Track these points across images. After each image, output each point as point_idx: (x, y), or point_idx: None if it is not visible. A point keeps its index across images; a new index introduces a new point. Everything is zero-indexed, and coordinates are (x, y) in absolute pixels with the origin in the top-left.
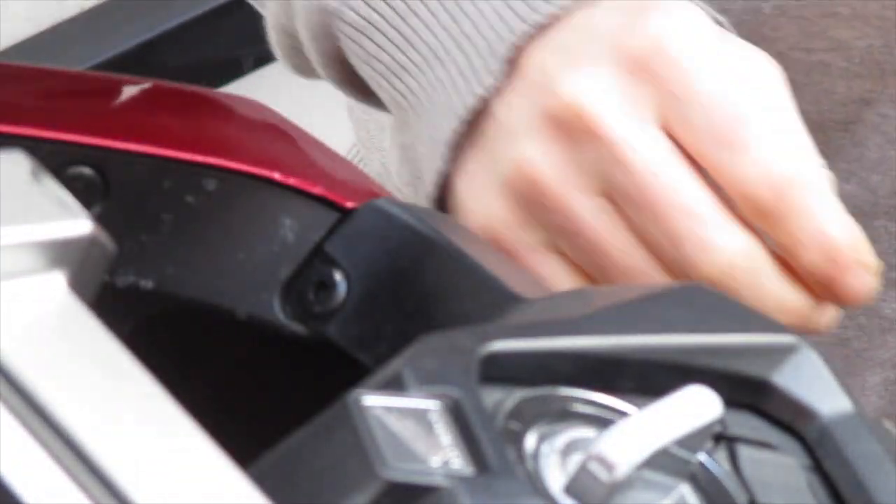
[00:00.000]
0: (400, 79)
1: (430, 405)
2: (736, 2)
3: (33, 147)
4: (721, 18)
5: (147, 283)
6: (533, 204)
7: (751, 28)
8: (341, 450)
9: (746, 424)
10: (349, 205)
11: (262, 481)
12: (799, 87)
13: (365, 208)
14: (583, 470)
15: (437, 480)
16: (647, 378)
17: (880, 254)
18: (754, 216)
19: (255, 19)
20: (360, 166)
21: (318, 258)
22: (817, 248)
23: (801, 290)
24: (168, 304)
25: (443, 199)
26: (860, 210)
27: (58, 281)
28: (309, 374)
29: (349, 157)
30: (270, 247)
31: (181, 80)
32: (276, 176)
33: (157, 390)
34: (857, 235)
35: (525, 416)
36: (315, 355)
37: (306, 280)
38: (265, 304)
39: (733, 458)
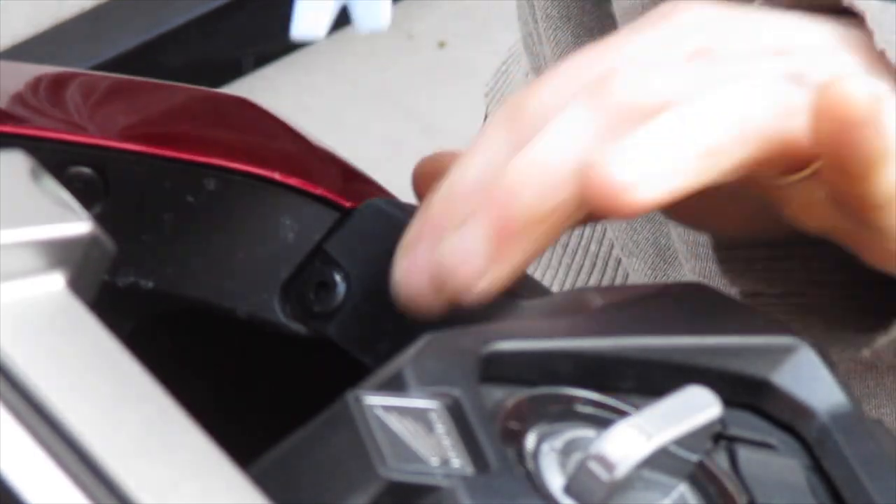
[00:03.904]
0: None
1: (431, 405)
2: None
3: (33, 147)
4: None
5: (147, 283)
6: None
7: None
8: (341, 449)
9: (746, 424)
10: (349, 205)
11: (263, 481)
12: None
13: (364, 208)
14: (583, 469)
15: (437, 480)
16: (647, 378)
17: None
18: None
19: (255, 19)
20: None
21: (318, 258)
22: None
23: None
24: (168, 304)
25: None
26: None
27: (57, 281)
28: (309, 373)
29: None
30: (270, 247)
31: (181, 80)
32: (276, 176)
33: (156, 390)
34: None
35: (525, 416)
36: (315, 355)
37: (306, 280)
38: (265, 304)
39: (733, 458)
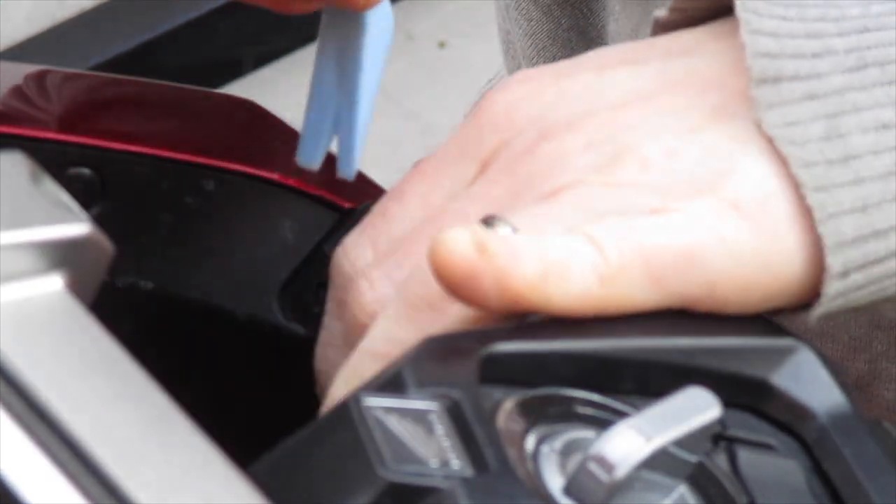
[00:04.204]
0: None
1: (431, 406)
2: None
3: (33, 148)
4: None
5: (147, 284)
6: None
7: None
8: (341, 450)
9: (746, 425)
10: (348, 205)
11: (262, 481)
12: None
13: (364, 209)
14: (582, 470)
15: (437, 481)
16: (647, 379)
17: None
18: None
19: (255, 19)
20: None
21: (318, 259)
22: None
23: None
24: (168, 305)
25: None
26: None
27: (56, 282)
28: (309, 374)
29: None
30: (270, 248)
31: (181, 80)
32: (276, 176)
33: (156, 391)
34: None
35: (525, 417)
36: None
37: (306, 280)
38: (265, 305)
39: (732, 459)
